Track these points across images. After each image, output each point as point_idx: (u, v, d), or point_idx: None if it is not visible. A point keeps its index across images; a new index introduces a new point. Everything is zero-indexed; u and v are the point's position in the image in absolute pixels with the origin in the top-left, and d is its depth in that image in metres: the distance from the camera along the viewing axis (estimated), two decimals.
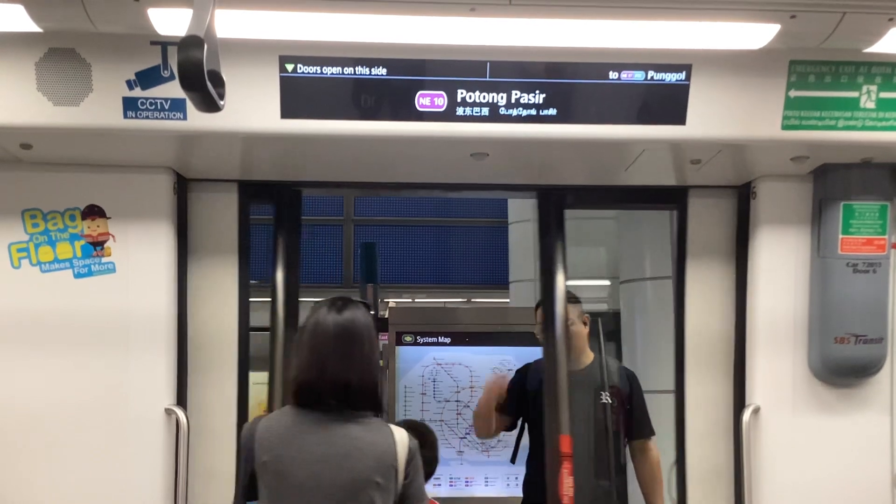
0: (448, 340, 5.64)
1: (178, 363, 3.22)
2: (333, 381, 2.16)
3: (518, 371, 4.05)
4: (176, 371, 3.20)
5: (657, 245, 5.13)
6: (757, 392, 3.30)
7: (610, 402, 3.68)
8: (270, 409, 3.29)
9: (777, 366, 3.30)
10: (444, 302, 10.03)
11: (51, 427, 3.09)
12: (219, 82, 1.84)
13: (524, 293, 7.40)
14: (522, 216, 7.63)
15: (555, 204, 3.52)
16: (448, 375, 5.28)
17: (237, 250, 3.37)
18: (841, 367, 3.25)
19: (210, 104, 1.82)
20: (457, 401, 5.17)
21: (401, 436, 2.21)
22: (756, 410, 3.27)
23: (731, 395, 3.42)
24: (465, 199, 9.19)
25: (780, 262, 3.31)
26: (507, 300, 8.16)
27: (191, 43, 1.73)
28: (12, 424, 3.08)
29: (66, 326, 3.11)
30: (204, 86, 1.75)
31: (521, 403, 3.92)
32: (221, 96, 1.86)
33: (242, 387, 3.34)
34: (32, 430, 3.09)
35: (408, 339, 5.70)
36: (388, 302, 9.62)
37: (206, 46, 1.74)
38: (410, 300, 10.26)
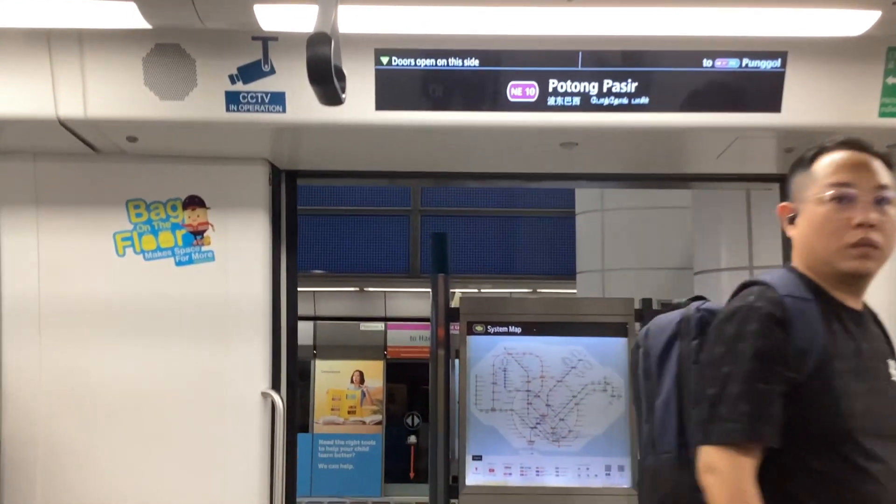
0: (518, 330, 5.66)
1: (273, 348, 3.32)
2: None
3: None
4: (271, 356, 3.30)
5: (733, 235, 5.07)
6: None
7: None
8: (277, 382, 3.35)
9: None
10: (510, 292, 10.03)
11: (152, 409, 3.21)
12: (341, 77, 1.90)
13: (591, 284, 7.37)
14: (590, 206, 7.59)
15: None
16: (519, 365, 5.26)
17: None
18: None
19: (334, 98, 1.89)
20: (527, 390, 5.18)
21: None
22: None
23: None
24: (531, 189, 9.18)
25: None
26: (574, 291, 8.13)
27: (319, 40, 1.79)
28: (117, 405, 3.21)
29: (167, 312, 3.23)
30: (331, 81, 1.82)
31: None
32: (343, 90, 1.92)
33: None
34: (135, 411, 3.21)
35: (478, 328, 5.73)
36: (454, 292, 9.67)
37: (332, 42, 1.80)
38: (476, 290, 10.29)
